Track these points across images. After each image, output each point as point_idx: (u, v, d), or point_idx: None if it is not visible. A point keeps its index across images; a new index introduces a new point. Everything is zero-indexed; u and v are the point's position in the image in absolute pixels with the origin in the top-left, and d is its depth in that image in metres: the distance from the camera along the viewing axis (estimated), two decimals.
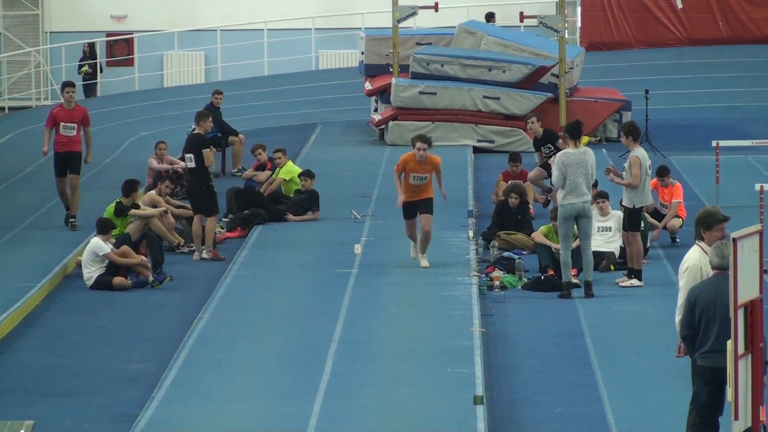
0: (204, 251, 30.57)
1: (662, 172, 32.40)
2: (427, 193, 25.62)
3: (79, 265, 29.45)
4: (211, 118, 33.01)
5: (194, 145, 31.40)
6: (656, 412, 21.47)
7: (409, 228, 25.89)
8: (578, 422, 21.66)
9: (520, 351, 25.20)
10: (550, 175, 31.55)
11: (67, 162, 33.00)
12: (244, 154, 40.28)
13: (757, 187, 32.06)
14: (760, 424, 16.52)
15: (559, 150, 31.68)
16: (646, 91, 45.06)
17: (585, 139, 39.18)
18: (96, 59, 56.29)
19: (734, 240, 15.94)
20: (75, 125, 32.90)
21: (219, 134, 40.09)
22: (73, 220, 33.43)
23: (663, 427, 20.44)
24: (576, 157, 27.53)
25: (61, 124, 32.95)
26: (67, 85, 35.10)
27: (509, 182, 32.71)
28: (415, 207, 25.70)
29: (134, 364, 24.38)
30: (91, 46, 57.09)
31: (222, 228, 33.02)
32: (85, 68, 55.41)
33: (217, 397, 21.52)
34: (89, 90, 56.18)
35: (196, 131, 32.40)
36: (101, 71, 56.08)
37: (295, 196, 34.34)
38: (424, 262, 26.26)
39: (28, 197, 37.82)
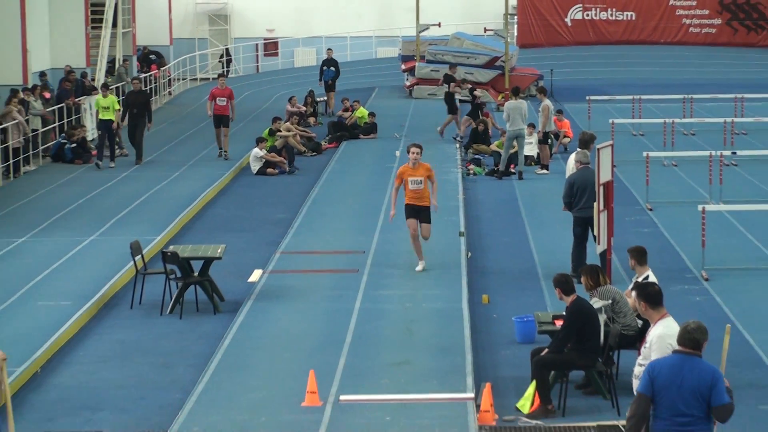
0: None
1: (559, 112, 40.44)
2: (426, 201, 23.28)
3: (249, 164, 36.99)
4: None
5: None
6: (559, 240, 25.95)
7: (412, 226, 23.17)
8: (513, 243, 27.27)
9: (483, 207, 31.30)
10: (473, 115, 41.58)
11: (220, 120, 38.42)
12: (336, 103, 49.48)
13: (610, 121, 38.81)
14: (609, 248, 21.69)
15: (476, 100, 41.82)
16: (551, 70, 55.37)
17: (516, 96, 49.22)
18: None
19: (598, 149, 21.75)
20: (225, 99, 38.19)
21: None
22: (226, 153, 38.37)
23: (562, 247, 24.59)
24: (515, 105, 35.53)
25: (217, 98, 38.40)
26: (220, 75, 42.22)
27: (484, 117, 40.60)
28: (417, 211, 23.19)
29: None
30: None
31: (326, 142, 42.01)
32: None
33: None
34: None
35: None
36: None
37: (364, 125, 43.81)
38: (420, 267, 23.63)
39: (192, 148, 41.79)
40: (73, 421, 16.42)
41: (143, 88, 41.24)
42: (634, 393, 12.13)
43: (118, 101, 37.38)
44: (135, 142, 38.06)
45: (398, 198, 23.96)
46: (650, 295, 12.63)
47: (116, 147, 37.97)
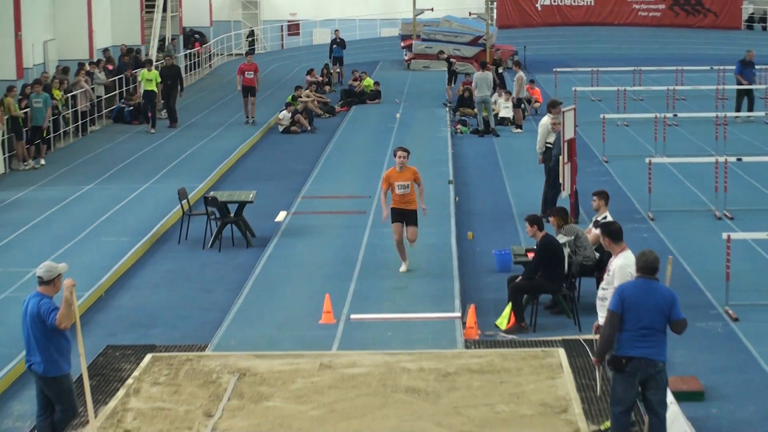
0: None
1: (531, 82, 40.33)
2: (413, 204, 18.93)
3: (277, 122, 36.86)
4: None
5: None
6: (530, 187, 25.96)
7: (397, 231, 18.88)
8: (493, 190, 27.23)
9: (468, 160, 31.23)
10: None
11: (248, 91, 37.49)
12: (347, 74, 48.49)
13: (573, 89, 38.60)
14: (575, 193, 21.74)
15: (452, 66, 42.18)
16: (524, 47, 55.11)
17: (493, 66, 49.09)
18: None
19: (563, 112, 21.79)
20: (252, 72, 37.47)
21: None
22: (253, 119, 37.36)
23: (533, 193, 24.56)
24: (482, 75, 35.25)
25: (245, 72, 37.58)
26: (248, 53, 41.39)
27: (465, 86, 39.53)
28: (404, 215, 18.93)
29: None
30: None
31: (339, 106, 41.88)
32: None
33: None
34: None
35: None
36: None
37: (370, 92, 43.45)
38: (404, 267, 19.25)
39: (228, 111, 41.13)
40: (131, 336, 16.49)
41: (175, 64, 40.74)
42: (598, 312, 12.53)
43: (160, 75, 37.01)
44: (169, 108, 37.62)
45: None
46: (613, 232, 12.72)
47: (158, 113, 37.42)
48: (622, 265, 12.30)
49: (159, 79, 36.34)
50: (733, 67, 39.22)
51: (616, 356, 11.27)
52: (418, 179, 19.21)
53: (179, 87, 37.97)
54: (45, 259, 19.15)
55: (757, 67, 39.29)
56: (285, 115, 37.04)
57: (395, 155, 19.12)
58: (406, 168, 18.99)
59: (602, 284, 12.79)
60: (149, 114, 36.67)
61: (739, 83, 37.53)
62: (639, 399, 11.72)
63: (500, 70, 42.17)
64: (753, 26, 68.54)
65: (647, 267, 11.30)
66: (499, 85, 39.43)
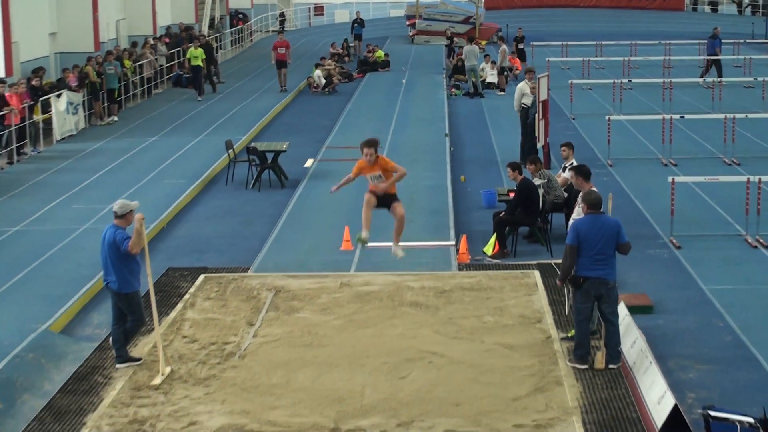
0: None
1: (512, 53, 40.12)
2: (391, 189, 13.70)
3: (309, 83, 36.84)
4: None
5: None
6: (511, 139, 24.84)
7: (367, 204, 13.51)
8: (481, 141, 26.57)
9: (461, 117, 31.04)
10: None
11: (281, 64, 35.84)
12: (362, 48, 47.29)
13: (546, 59, 38.41)
14: (548, 144, 21.31)
15: (452, 44, 41.85)
16: (507, 25, 53.01)
17: (483, 41, 46.57)
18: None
19: (539, 78, 21.41)
20: (284, 48, 35.99)
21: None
22: (284, 87, 36.00)
23: (513, 143, 23.86)
24: (470, 48, 35.57)
25: (278, 48, 36.21)
26: (279, 32, 41.05)
27: (458, 57, 38.81)
28: (381, 197, 13.58)
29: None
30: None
31: (356, 73, 41.15)
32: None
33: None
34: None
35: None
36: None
37: (381, 62, 42.87)
38: (400, 252, 14.01)
39: (266, 78, 40.06)
40: (188, 260, 16.47)
41: (210, 42, 39.98)
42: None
43: (204, 53, 36.18)
44: (209, 79, 36.76)
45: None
46: (585, 173, 12.68)
47: (205, 82, 36.57)
48: None
49: (204, 56, 35.43)
50: (677, 41, 40.17)
51: (575, 276, 11.31)
52: (391, 169, 13.71)
53: (214, 62, 37.61)
54: (118, 198, 19.53)
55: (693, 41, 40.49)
56: (319, 74, 36.94)
57: (362, 151, 13.69)
58: (377, 160, 13.71)
59: (573, 215, 12.72)
60: (196, 84, 35.66)
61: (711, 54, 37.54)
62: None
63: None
64: (696, 8, 68.32)
65: (594, 204, 11.34)
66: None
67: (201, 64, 35.14)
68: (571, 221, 12.59)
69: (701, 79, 36.04)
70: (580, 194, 12.29)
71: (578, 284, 11.24)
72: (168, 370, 11.51)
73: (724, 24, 56.01)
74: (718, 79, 34.13)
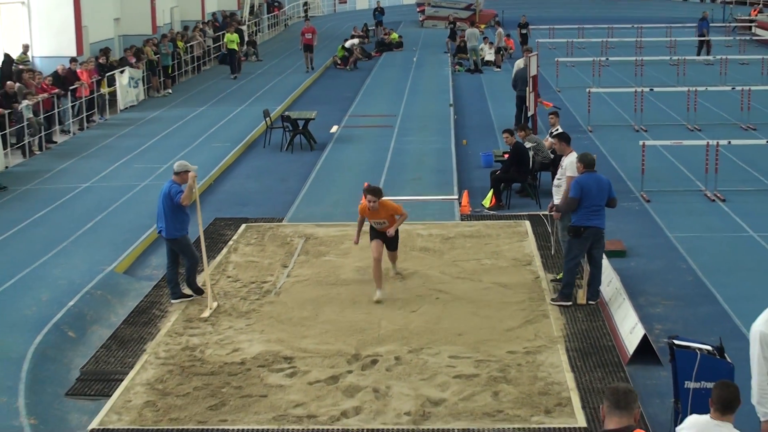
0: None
1: (507, 35, 38.89)
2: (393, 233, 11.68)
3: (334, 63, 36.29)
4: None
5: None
6: (506, 108, 24.84)
7: (376, 249, 11.55)
8: (480, 110, 26.21)
9: (463, 90, 30.47)
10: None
11: (308, 48, 34.52)
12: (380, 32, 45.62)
13: (536, 41, 37.47)
14: (536, 113, 21.44)
15: (455, 27, 41.04)
16: (503, 11, 52.65)
17: (482, 25, 45.51)
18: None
19: (530, 57, 21.42)
20: (311, 33, 34.52)
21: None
22: (312, 68, 34.43)
23: (508, 112, 23.84)
24: (471, 31, 35.33)
25: (305, 33, 34.72)
26: (306, 18, 40.24)
27: (461, 39, 37.51)
28: (382, 236, 11.65)
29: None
30: None
31: (374, 52, 40.15)
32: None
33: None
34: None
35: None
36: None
37: (396, 43, 42.20)
38: (378, 295, 11.40)
39: (298, 57, 37.90)
40: (231, 212, 16.25)
41: (240, 27, 39.06)
42: (553, 196, 12.28)
43: (239, 37, 35.53)
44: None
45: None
46: (566, 139, 12.45)
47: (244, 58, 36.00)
48: (571, 161, 11.92)
49: (238, 40, 34.60)
50: (648, 25, 39.62)
51: (576, 227, 11.04)
52: (394, 212, 11.72)
53: (244, 44, 36.94)
54: (172, 158, 19.92)
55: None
56: (352, 43, 36.92)
57: (365, 197, 11.59)
58: (381, 206, 11.59)
59: (557, 176, 12.47)
60: (231, 64, 34.18)
61: (701, 35, 37.18)
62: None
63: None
64: None
65: (591, 163, 11.12)
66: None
67: (236, 47, 34.11)
68: (555, 181, 12.42)
69: (699, 57, 36.02)
70: (568, 156, 12.09)
71: (579, 233, 10.98)
72: (215, 305, 11.43)
73: (687, 11, 55.77)
74: (711, 57, 34.11)
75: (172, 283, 11.75)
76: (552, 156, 16.27)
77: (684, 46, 38.59)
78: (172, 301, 11.71)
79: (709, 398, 5.42)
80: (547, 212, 13.25)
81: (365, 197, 11.68)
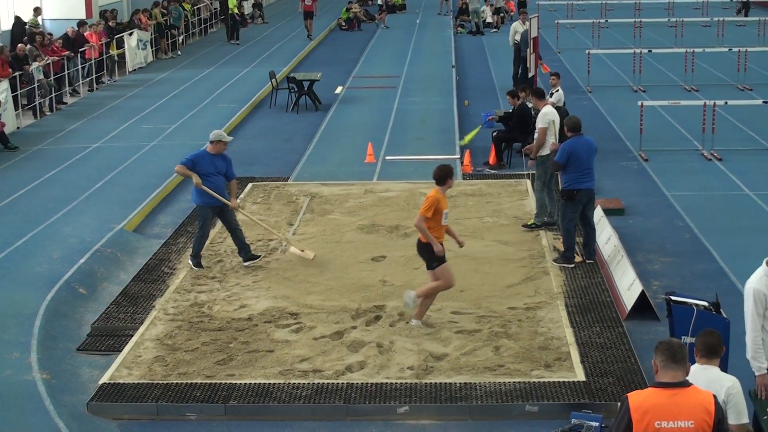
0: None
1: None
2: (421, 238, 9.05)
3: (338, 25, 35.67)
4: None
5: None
6: (506, 70, 24.17)
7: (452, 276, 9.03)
8: (482, 71, 26.00)
9: (465, 51, 30.28)
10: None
11: (307, 14, 32.98)
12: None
13: (537, 3, 37.48)
14: (537, 74, 20.14)
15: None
16: None
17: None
18: None
19: (530, 19, 19.96)
20: (311, 2, 32.67)
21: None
22: (311, 36, 32.62)
23: (508, 73, 23.46)
24: (475, 4, 34.56)
25: (304, 1, 33.02)
26: None
27: (462, 1, 37.39)
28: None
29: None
30: None
31: (377, 15, 38.83)
32: None
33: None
34: None
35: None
36: None
37: (399, 5, 41.82)
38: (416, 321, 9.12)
39: (294, 25, 37.32)
40: (239, 171, 15.49)
41: None
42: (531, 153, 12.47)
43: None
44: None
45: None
46: (538, 93, 12.79)
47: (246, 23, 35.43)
48: (543, 113, 12.16)
49: (236, 3, 33.98)
50: None
51: (569, 190, 10.89)
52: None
53: (258, 4, 37.14)
54: (180, 119, 19.78)
55: None
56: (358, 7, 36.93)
57: (450, 178, 9.17)
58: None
59: (535, 138, 12.58)
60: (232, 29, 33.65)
61: None
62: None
63: None
64: None
65: (576, 127, 10.96)
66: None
67: (236, 11, 33.38)
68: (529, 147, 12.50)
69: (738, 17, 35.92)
70: (542, 110, 12.14)
71: (572, 197, 10.83)
72: (311, 254, 11.32)
73: None
74: (708, 19, 33.89)
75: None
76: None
77: (681, 8, 38.47)
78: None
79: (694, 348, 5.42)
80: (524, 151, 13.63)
81: (448, 181, 8.82)
